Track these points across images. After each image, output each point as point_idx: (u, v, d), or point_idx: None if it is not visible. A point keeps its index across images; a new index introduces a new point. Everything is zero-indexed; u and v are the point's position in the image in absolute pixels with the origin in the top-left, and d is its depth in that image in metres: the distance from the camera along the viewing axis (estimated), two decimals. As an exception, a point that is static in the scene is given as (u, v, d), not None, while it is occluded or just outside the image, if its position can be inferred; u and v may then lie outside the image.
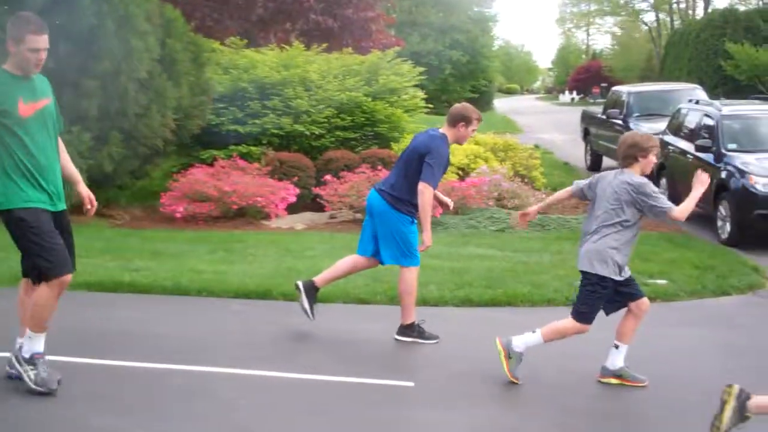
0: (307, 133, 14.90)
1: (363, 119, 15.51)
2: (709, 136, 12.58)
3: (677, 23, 56.62)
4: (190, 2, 19.39)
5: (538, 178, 15.74)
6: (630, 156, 5.81)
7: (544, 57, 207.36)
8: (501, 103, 64.42)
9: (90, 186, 5.64)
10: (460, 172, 14.25)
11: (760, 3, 46.34)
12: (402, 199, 6.63)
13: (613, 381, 5.89)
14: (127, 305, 7.75)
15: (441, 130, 6.82)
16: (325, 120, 15.08)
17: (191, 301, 8.02)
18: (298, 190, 13.15)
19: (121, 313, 7.47)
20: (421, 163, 6.57)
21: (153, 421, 5.04)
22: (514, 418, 5.36)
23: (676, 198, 13.56)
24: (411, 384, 5.89)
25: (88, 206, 5.56)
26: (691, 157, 12.91)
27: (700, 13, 54.39)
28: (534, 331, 5.86)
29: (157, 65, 12.30)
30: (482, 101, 51.46)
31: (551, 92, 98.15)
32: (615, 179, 5.82)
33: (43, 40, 5.08)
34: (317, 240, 10.97)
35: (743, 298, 8.61)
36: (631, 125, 16.94)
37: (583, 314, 5.78)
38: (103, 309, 7.53)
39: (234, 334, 7.00)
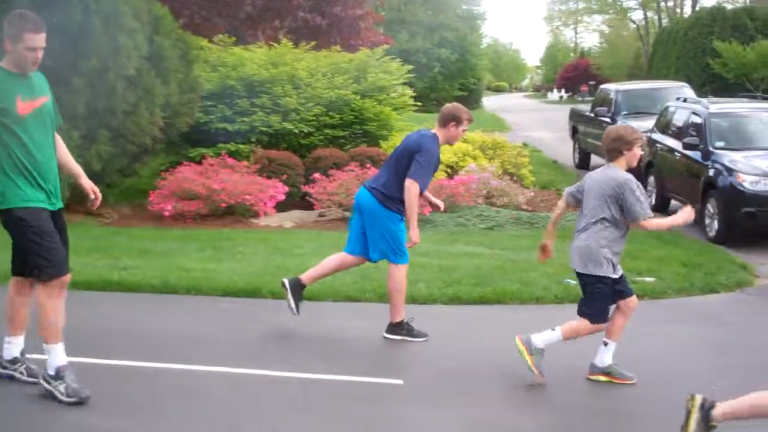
0: (296, 131, 14.87)
1: (352, 117, 15.49)
2: (696, 134, 12.62)
3: (665, 21, 56.83)
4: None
5: (526, 176, 15.77)
6: (615, 150, 5.82)
7: (532, 55, 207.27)
8: (489, 101, 64.55)
9: (78, 184, 5.61)
10: (449, 171, 14.26)
11: (748, 1, 46.54)
12: (392, 197, 6.64)
13: (602, 378, 5.90)
14: (115, 304, 7.73)
15: (432, 131, 6.84)
16: (314, 118, 15.05)
17: (180, 300, 8.00)
18: (286, 188, 13.13)
19: (109, 311, 7.45)
20: (411, 161, 6.58)
21: (142, 419, 5.04)
22: (503, 415, 5.36)
23: (664, 196, 13.68)
24: (400, 382, 5.89)
25: (92, 196, 5.54)
26: (679, 155, 12.96)
27: (687, 11, 54.57)
28: (554, 329, 5.83)
29: (145, 63, 12.26)
30: (471, 99, 51.54)
31: (540, 90, 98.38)
32: (601, 175, 5.84)
33: (40, 39, 5.05)
34: (306, 238, 10.95)
35: (731, 296, 8.64)
36: (619, 123, 16.97)
37: (594, 315, 5.79)
38: (92, 308, 7.49)
39: (223, 332, 6.99)
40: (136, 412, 5.12)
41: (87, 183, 5.55)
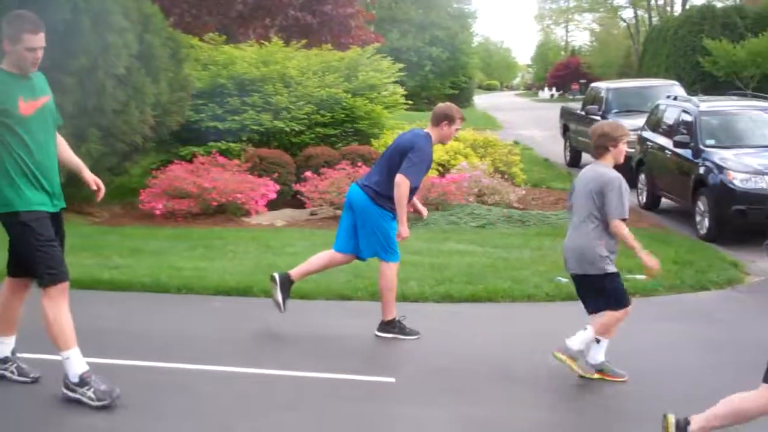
0: (287, 129, 14.86)
1: (343, 116, 15.48)
2: (687, 132, 12.64)
3: (655, 20, 56.93)
4: (169, -2, 19.29)
5: (518, 174, 15.77)
6: (601, 146, 5.84)
7: (523, 53, 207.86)
8: (481, 100, 64.63)
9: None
10: (441, 169, 14.26)
11: (737, 0, 46.63)
12: (385, 195, 6.63)
13: (594, 376, 5.90)
14: (106, 303, 7.71)
15: (425, 130, 6.85)
16: (305, 116, 15.03)
17: (171, 299, 7.99)
18: (278, 187, 13.11)
19: (99, 310, 7.42)
20: (403, 159, 6.58)
21: (133, 418, 5.02)
22: (495, 413, 5.36)
23: (655, 194, 13.70)
24: (392, 380, 5.89)
25: (95, 188, 5.52)
26: (670, 152, 12.98)
27: (678, 9, 54.71)
28: (585, 328, 5.79)
29: (135, 61, 12.21)
30: (462, 98, 51.61)
31: (531, 89, 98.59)
32: (589, 172, 5.87)
33: (39, 39, 5.01)
34: (297, 236, 10.94)
35: (722, 293, 8.65)
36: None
37: (616, 303, 5.78)
38: (82, 306, 7.39)
39: (214, 331, 6.98)
40: (127, 411, 5.10)
41: (89, 176, 5.54)
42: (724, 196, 11.03)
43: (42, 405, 5.18)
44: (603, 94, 19.26)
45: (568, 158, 20.73)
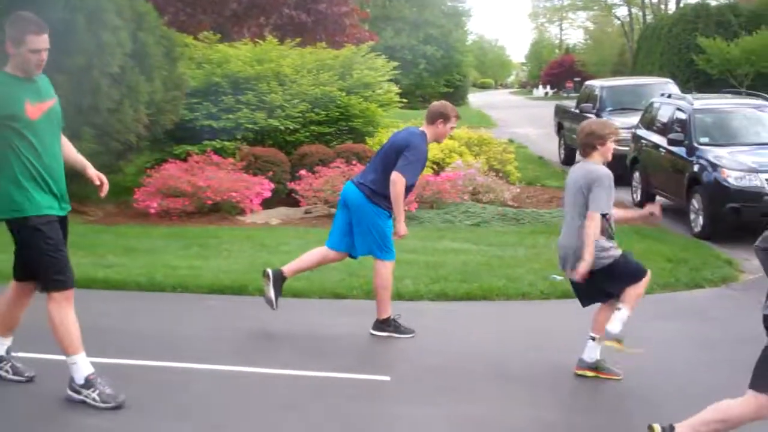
0: (282, 127, 14.85)
1: (337, 114, 15.47)
2: (681, 129, 12.66)
3: (649, 18, 56.97)
4: (163, -4, 19.26)
5: (512, 172, 15.79)
6: (588, 145, 5.83)
7: (517, 51, 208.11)
8: (475, 98, 64.64)
9: (85, 175, 5.58)
10: (435, 167, 14.27)
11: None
12: (380, 193, 6.63)
13: (589, 374, 5.90)
14: (100, 302, 7.69)
15: (420, 128, 6.85)
16: (300, 115, 15.02)
17: (166, 297, 7.98)
18: (272, 185, 13.10)
19: (94, 309, 7.38)
20: (399, 158, 6.57)
21: (126, 417, 5.01)
22: (490, 411, 5.37)
23: (649, 192, 13.71)
24: (387, 378, 5.89)
25: (98, 183, 5.49)
26: (664, 150, 13.00)
27: (672, 7, 54.73)
28: (618, 309, 5.76)
29: (129, 60, 12.20)
30: (456, 96, 51.64)
31: (525, 87, 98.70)
32: (578, 169, 5.88)
33: (43, 40, 4.94)
34: (292, 235, 10.93)
35: (716, 291, 8.67)
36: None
37: (633, 277, 5.77)
38: (77, 306, 7.39)
39: (209, 329, 6.97)
40: (121, 409, 5.09)
41: (93, 172, 5.51)
42: (718, 193, 11.05)
43: (39, 404, 5.18)
44: (597, 92, 19.28)
45: (562, 156, 20.74)
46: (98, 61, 11.37)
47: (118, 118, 12.12)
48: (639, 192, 14.12)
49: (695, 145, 12.07)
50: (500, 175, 15.09)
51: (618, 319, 5.74)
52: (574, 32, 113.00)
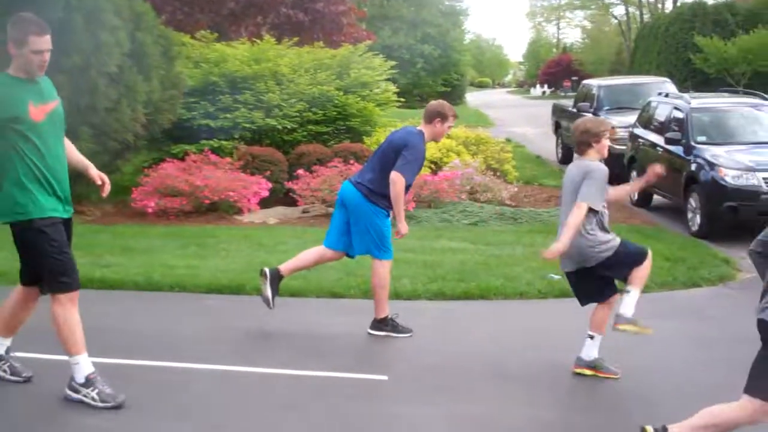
0: (279, 127, 14.84)
1: (335, 113, 15.46)
2: (678, 128, 12.67)
3: (647, 17, 57.01)
4: (160, -5, 19.25)
5: (510, 171, 15.79)
6: (584, 143, 5.85)
7: (515, 51, 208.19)
8: (473, 97, 64.65)
9: (87, 175, 5.57)
10: (433, 166, 14.27)
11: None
12: (378, 192, 6.63)
13: (587, 372, 5.90)
14: (97, 301, 7.68)
15: (418, 128, 6.85)
16: (297, 114, 15.00)
17: (163, 297, 7.98)
18: (270, 185, 13.10)
19: (91, 309, 7.35)
20: (397, 157, 6.58)
21: (127, 417, 5.02)
22: (488, 410, 5.37)
23: (647, 191, 13.70)
24: (385, 378, 5.90)
25: (99, 183, 5.48)
26: (661, 149, 13.01)
27: (669, 6, 54.78)
28: (627, 292, 5.81)
29: (126, 59, 12.19)
30: (454, 95, 51.70)
31: (522, 86, 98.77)
32: (574, 167, 5.90)
33: (45, 41, 4.92)
34: (290, 234, 10.93)
35: (714, 290, 8.68)
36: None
37: (637, 259, 5.79)
38: (74, 305, 7.45)
39: (207, 329, 6.97)
40: (120, 408, 5.09)
41: (95, 172, 5.51)
42: (715, 192, 11.06)
43: (39, 404, 5.18)
44: (594, 91, 19.29)
45: (560, 155, 20.75)
46: (96, 60, 11.36)
47: (115, 118, 12.11)
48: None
49: (692, 144, 12.08)
50: (498, 174, 15.09)
51: (628, 302, 5.79)
52: (571, 31, 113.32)
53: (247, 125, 14.63)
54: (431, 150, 14.25)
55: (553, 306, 7.81)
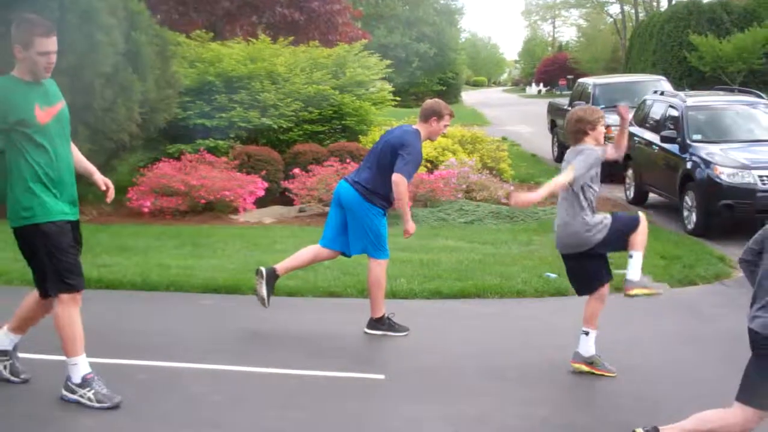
0: (275, 126, 14.85)
1: (331, 112, 15.48)
2: (674, 127, 12.69)
3: (642, 15, 57.04)
4: (155, -5, 19.21)
5: (505, 170, 15.80)
6: (579, 131, 5.89)
7: (510, 49, 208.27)
8: (469, 96, 64.65)
9: (91, 181, 5.56)
10: (429, 165, 14.27)
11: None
12: (376, 192, 6.64)
13: (585, 368, 5.90)
14: (95, 301, 7.67)
15: (414, 126, 6.85)
16: (293, 113, 15.01)
17: (160, 297, 7.98)
18: (266, 184, 13.11)
19: (88, 309, 7.36)
20: (394, 157, 6.58)
21: (124, 418, 5.01)
22: (484, 409, 5.37)
23: (643, 189, 13.73)
24: (382, 377, 5.90)
25: (104, 188, 5.47)
26: (657, 148, 13.02)
27: (664, 4, 54.81)
28: (631, 256, 5.84)
29: (122, 59, 12.18)
30: (450, 94, 51.73)
31: (518, 84, 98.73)
32: (569, 151, 5.94)
33: (52, 43, 4.89)
34: (286, 234, 10.93)
35: (709, 288, 8.69)
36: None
37: (631, 225, 5.84)
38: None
39: (203, 329, 6.97)
40: (116, 409, 5.09)
41: (99, 177, 5.49)
42: (711, 190, 11.07)
43: (36, 405, 5.17)
44: (590, 89, 19.30)
45: (555, 154, 20.77)
46: (91, 60, 11.34)
47: (111, 118, 12.10)
48: (632, 189, 14.15)
49: (688, 142, 12.09)
50: (494, 172, 15.10)
51: (634, 265, 5.83)
52: (567, 30, 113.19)
53: (243, 125, 14.63)
54: (427, 149, 14.25)
55: (550, 304, 7.82)
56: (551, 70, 72.99)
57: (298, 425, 5.06)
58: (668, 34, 36.01)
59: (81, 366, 5.13)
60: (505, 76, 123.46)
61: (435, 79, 52.91)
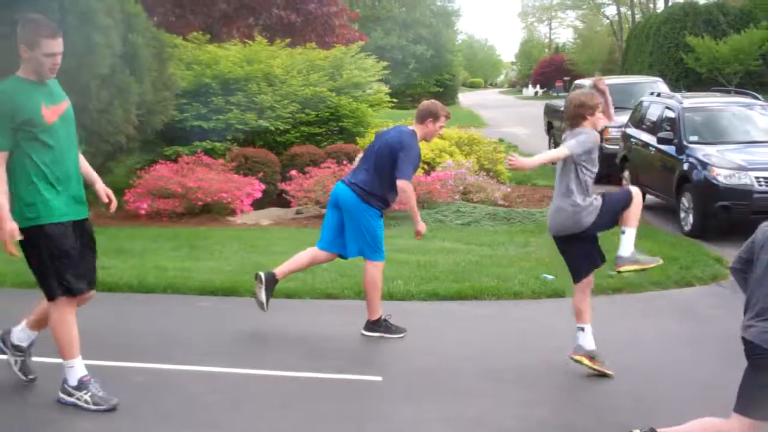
0: (272, 128, 14.84)
1: (328, 114, 15.48)
2: (670, 128, 12.70)
3: (638, 16, 57.13)
4: (152, -3, 19.20)
5: (502, 171, 15.78)
6: (579, 116, 5.93)
7: (507, 51, 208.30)
8: (465, 97, 64.71)
9: (94, 190, 5.55)
10: (426, 167, 14.26)
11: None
12: (374, 193, 6.64)
13: (585, 361, 5.86)
14: (92, 303, 7.65)
15: (410, 127, 6.85)
16: (290, 115, 15.01)
17: (157, 299, 7.97)
18: (263, 186, 13.10)
19: (85, 311, 7.35)
20: (392, 158, 6.58)
21: (121, 420, 5.01)
22: (481, 410, 5.37)
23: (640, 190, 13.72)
24: (379, 378, 5.90)
25: (106, 200, 5.46)
26: (654, 149, 13.03)
27: (660, 6, 54.90)
28: (623, 232, 5.88)
29: (118, 61, 12.16)
30: (447, 95, 51.78)
31: (515, 86, 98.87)
32: (569, 135, 5.95)
33: (58, 44, 4.90)
34: (283, 236, 10.93)
35: (706, 289, 8.70)
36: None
37: (624, 200, 5.89)
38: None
39: (200, 331, 6.96)
40: (113, 412, 5.09)
41: (101, 187, 5.48)
42: (708, 192, 11.08)
43: (28, 406, 5.16)
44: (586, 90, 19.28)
45: (552, 155, 20.75)
46: (88, 62, 11.32)
47: (108, 120, 12.08)
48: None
49: (685, 143, 12.10)
50: (491, 174, 15.10)
51: (625, 241, 5.86)
52: (563, 31, 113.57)
53: (240, 126, 14.63)
54: (424, 150, 14.18)
55: (547, 306, 7.82)
56: (548, 71, 73.10)
57: (295, 426, 5.06)
58: (665, 35, 36.11)
59: (77, 368, 5.12)
60: (501, 77, 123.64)
61: (432, 80, 52.98)
